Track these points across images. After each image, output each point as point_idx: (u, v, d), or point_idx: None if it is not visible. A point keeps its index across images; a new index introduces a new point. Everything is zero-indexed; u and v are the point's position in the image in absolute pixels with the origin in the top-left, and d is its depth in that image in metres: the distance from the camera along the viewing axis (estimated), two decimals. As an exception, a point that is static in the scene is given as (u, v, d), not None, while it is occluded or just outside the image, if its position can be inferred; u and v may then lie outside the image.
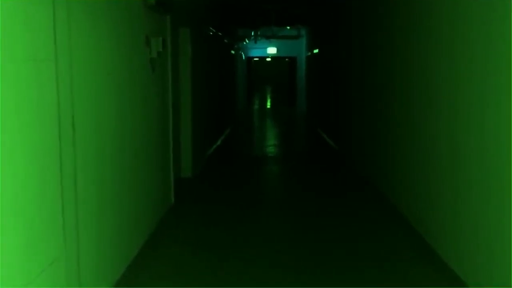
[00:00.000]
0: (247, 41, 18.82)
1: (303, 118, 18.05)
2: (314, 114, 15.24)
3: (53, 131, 2.84)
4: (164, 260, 4.49)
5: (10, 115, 2.37)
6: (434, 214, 4.68)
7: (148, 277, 4.11)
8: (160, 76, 5.58)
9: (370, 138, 7.48)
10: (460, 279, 3.99)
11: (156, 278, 4.10)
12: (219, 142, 11.29)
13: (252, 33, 17.43)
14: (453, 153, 4.22)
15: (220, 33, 11.38)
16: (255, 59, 23.78)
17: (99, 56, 3.61)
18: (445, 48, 4.42)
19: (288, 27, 16.47)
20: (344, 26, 9.77)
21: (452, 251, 4.24)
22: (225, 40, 12.78)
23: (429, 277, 4.13)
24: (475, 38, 3.80)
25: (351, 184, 7.52)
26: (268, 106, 26.08)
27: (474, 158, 3.81)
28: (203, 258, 4.54)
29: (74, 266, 3.16)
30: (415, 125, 5.26)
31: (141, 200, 4.77)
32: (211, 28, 9.97)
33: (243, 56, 20.56)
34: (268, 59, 25.83)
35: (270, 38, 17.40)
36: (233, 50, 15.83)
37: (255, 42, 18.77)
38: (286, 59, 23.20)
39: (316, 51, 14.71)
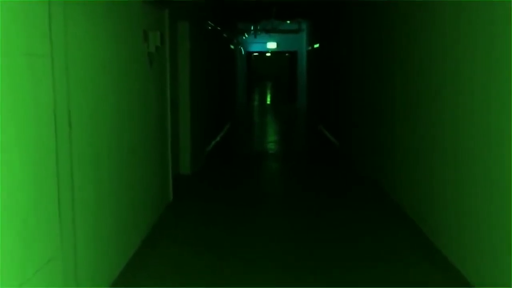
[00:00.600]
0: (246, 35, 18.79)
1: (303, 115, 18.04)
2: (315, 111, 15.22)
3: (49, 128, 2.83)
4: (163, 259, 4.48)
5: (5, 112, 2.36)
6: (438, 213, 4.68)
7: (146, 277, 4.11)
8: (158, 71, 5.56)
9: (372, 135, 7.47)
10: (465, 278, 3.99)
11: (155, 278, 4.10)
12: (218, 139, 11.28)
13: (252, 27, 17.40)
14: (457, 151, 4.21)
15: (219, 28, 11.36)
16: (254, 54, 23.75)
17: (95, 51, 3.60)
18: (448, 43, 4.40)
19: (289, 21, 16.44)
20: (346, 19, 9.75)
21: (457, 250, 4.24)
22: (224, 35, 12.76)
23: (433, 277, 4.13)
24: (478, 32, 3.79)
25: (353, 183, 7.51)
26: (268, 102, 26.07)
27: (478, 157, 3.80)
28: (202, 257, 4.54)
29: (71, 266, 3.15)
30: (418, 122, 5.25)
31: (139, 198, 4.76)
32: (210, 22, 9.95)
33: (243, 51, 20.54)
34: (268, 54, 25.80)
35: (270, 32, 17.38)
36: (233, 44, 15.81)
37: (255, 37, 18.75)
38: (286, 54, 23.17)
39: (317, 45, 14.69)
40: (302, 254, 4.66)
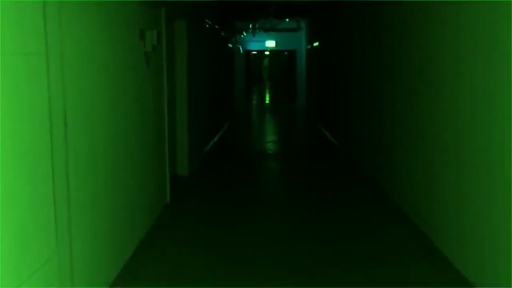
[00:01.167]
0: (245, 34, 18.79)
1: (303, 114, 18.05)
2: (314, 110, 15.24)
3: (44, 127, 2.84)
4: (161, 260, 4.50)
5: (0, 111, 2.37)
6: (438, 213, 4.69)
7: (145, 277, 4.12)
8: (155, 70, 5.57)
9: (372, 135, 7.48)
10: (465, 278, 4.00)
11: (153, 279, 4.11)
12: (216, 139, 11.29)
13: (250, 26, 17.40)
14: (457, 151, 4.23)
15: (217, 26, 11.37)
16: (253, 52, 23.75)
17: (91, 50, 3.61)
18: (449, 42, 4.42)
19: (287, 19, 16.44)
20: (345, 18, 9.77)
21: (457, 250, 4.25)
22: (222, 33, 12.77)
23: (433, 276, 4.15)
24: (479, 31, 3.80)
25: (353, 183, 7.52)
26: (267, 102, 26.07)
27: (479, 156, 3.82)
28: (201, 257, 4.55)
29: (67, 267, 3.16)
30: (418, 121, 5.27)
31: (136, 198, 4.77)
32: (207, 21, 9.96)
33: (241, 50, 20.54)
34: (267, 53, 25.79)
35: (269, 30, 17.38)
36: (231, 43, 15.82)
37: (253, 35, 18.75)
38: (285, 53, 23.17)
39: (316, 44, 14.70)
40: (302, 254, 4.67)
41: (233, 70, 17.01)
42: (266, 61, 29.82)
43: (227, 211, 6.03)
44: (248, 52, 22.66)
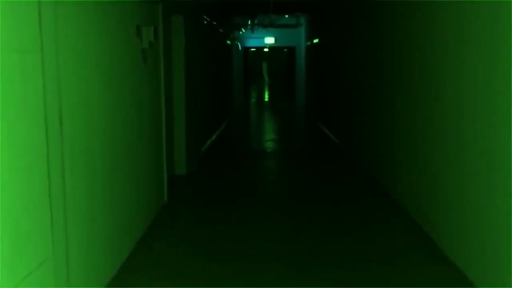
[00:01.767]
0: (243, 30, 18.78)
1: (302, 112, 18.06)
2: (314, 108, 15.24)
3: (39, 126, 2.84)
4: (159, 260, 4.51)
5: (-5, 109, 2.37)
6: (440, 213, 4.71)
7: (142, 278, 4.13)
8: (152, 67, 5.58)
9: (372, 134, 7.49)
10: (467, 278, 4.02)
11: (151, 279, 4.12)
12: (214, 137, 11.30)
13: (249, 22, 17.38)
14: (459, 150, 4.24)
15: (215, 22, 11.37)
16: (252, 49, 23.73)
17: (87, 47, 3.61)
18: (450, 39, 4.43)
19: (287, 15, 16.43)
20: (345, 14, 9.77)
21: (459, 250, 4.26)
22: (220, 30, 12.77)
23: (435, 276, 4.16)
24: (479, 31, 3.81)
25: (354, 182, 7.53)
26: (266, 99, 26.07)
27: (480, 156, 3.83)
28: (199, 257, 4.56)
29: (63, 268, 3.17)
30: (419, 121, 5.28)
31: (133, 198, 4.78)
32: (205, 17, 9.96)
33: (240, 47, 20.53)
34: (266, 49, 25.78)
35: (268, 27, 17.36)
36: (229, 40, 15.82)
37: (252, 32, 18.73)
38: (285, 49, 23.16)
39: (316, 41, 14.69)
40: (302, 254, 4.68)
41: (231, 67, 17.01)
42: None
43: (225, 211, 6.03)
44: (246, 48, 22.64)
